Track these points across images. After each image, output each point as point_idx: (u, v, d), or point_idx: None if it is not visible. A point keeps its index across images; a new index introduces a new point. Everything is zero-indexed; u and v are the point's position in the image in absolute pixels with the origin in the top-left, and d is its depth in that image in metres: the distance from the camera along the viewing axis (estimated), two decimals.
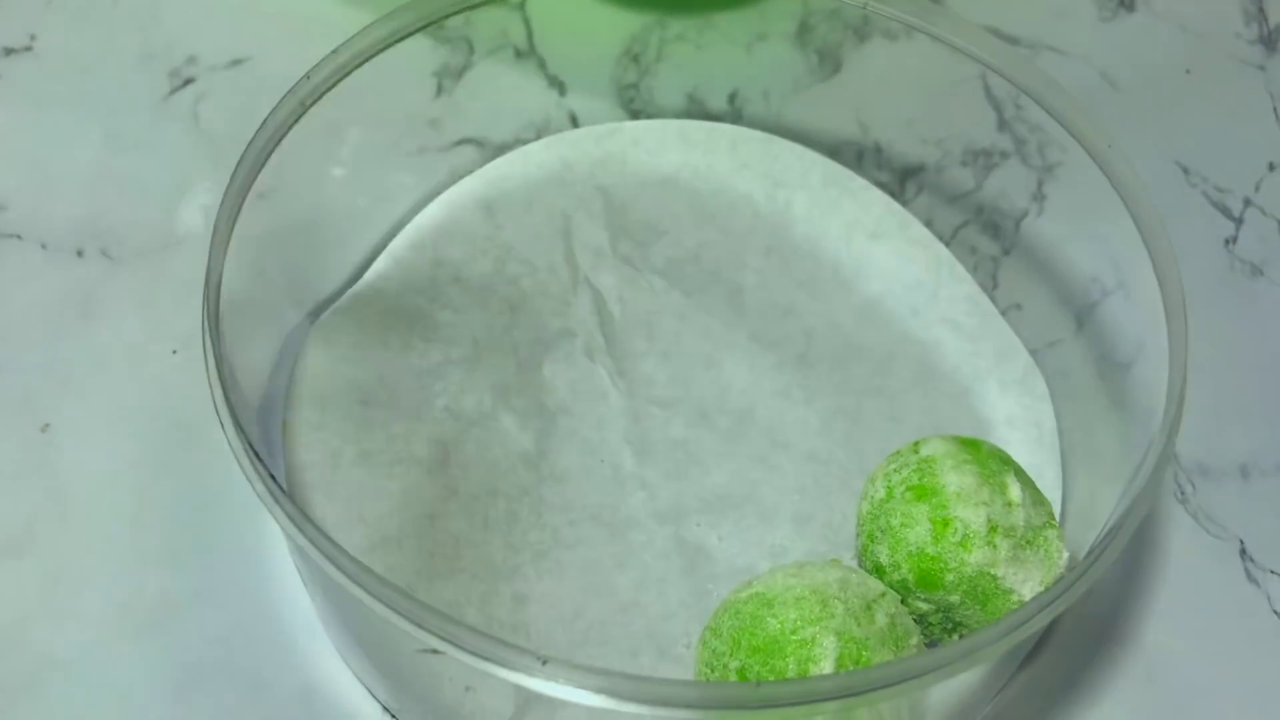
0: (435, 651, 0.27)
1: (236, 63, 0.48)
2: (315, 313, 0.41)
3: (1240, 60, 0.51)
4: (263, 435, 0.36)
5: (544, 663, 0.26)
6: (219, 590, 0.37)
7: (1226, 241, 0.47)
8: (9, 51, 0.48)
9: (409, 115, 0.47)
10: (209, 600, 0.37)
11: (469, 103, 0.47)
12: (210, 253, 0.33)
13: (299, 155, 0.37)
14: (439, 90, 0.48)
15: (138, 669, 0.35)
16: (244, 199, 0.35)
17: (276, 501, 0.29)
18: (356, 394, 0.39)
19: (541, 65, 0.49)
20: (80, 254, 0.43)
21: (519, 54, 0.49)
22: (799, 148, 0.46)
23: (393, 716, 0.35)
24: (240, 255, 0.35)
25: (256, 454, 0.30)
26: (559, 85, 0.48)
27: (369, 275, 0.42)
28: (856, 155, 0.47)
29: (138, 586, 0.37)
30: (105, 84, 0.47)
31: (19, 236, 0.44)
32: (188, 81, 0.47)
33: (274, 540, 0.37)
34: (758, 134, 0.46)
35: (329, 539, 0.28)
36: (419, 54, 0.48)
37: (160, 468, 0.39)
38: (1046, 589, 0.33)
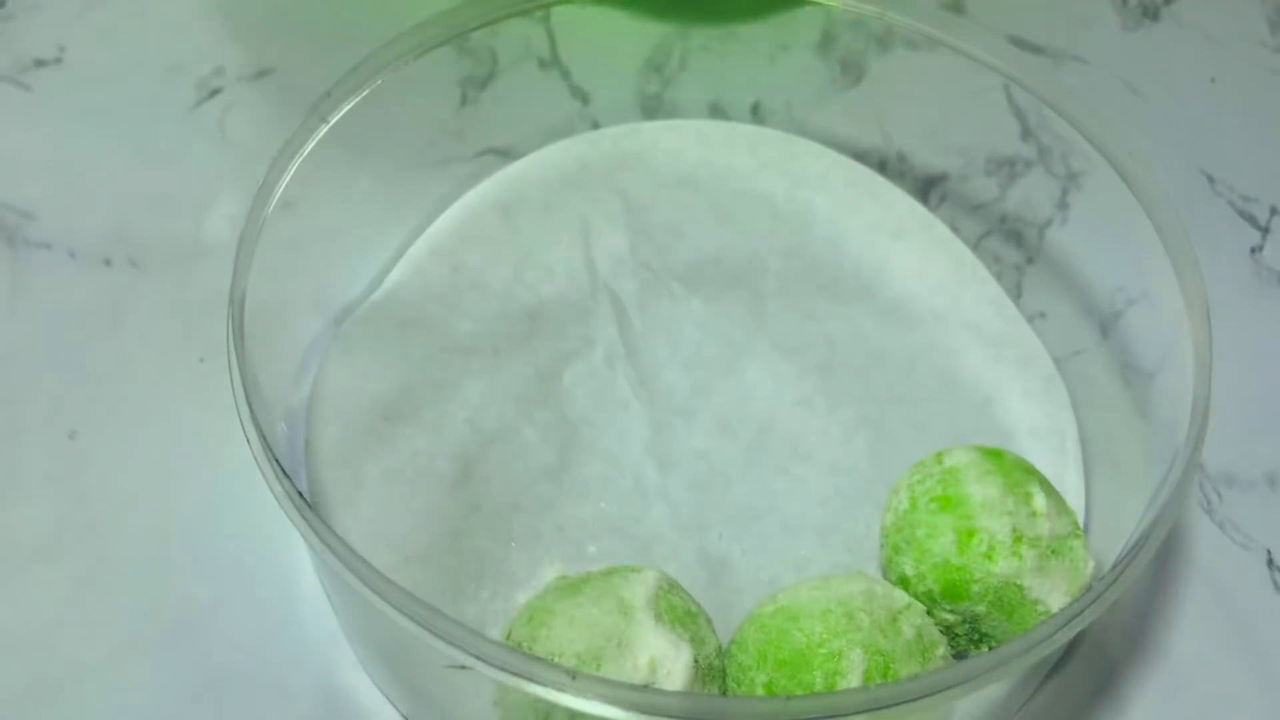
0: (463, 667, 0.27)
1: (263, 74, 0.48)
2: (339, 320, 0.41)
3: (1265, 69, 0.51)
4: (288, 446, 0.36)
5: (573, 677, 0.26)
6: (243, 597, 0.37)
7: (1253, 250, 0.47)
8: (39, 63, 0.48)
9: (433, 126, 0.47)
10: (233, 607, 0.37)
11: (493, 113, 0.48)
12: (235, 267, 0.34)
13: (323, 166, 0.37)
14: (463, 101, 0.48)
15: (162, 674, 0.36)
16: (267, 212, 0.35)
17: (304, 518, 0.29)
18: (378, 410, 0.38)
19: (565, 76, 0.49)
20: (108, 263, 0.44)
21: (542, 65, 0.49)
22: (819, 147, 0.46)
23: None
24: (265, 265, 0.35)
25: (283, 470, 0.30)
26: (582, 95, 0.48)
27: (388, 283, 0.42)
28: (879, 164, 0.47)
29: (163, 592, 0.37)
30: (133, 95, 0.48)
31: (48, 246, 0.44)
32: (214, 92, 0.48)
33: (297, 548, 0.38)
34: (777, 134, 0.46)
35: (358, 556, 0.28)
36: (444, 65, 0.48)
37: (186, 475, 0.39)
38: (1074, 599, 0.33)
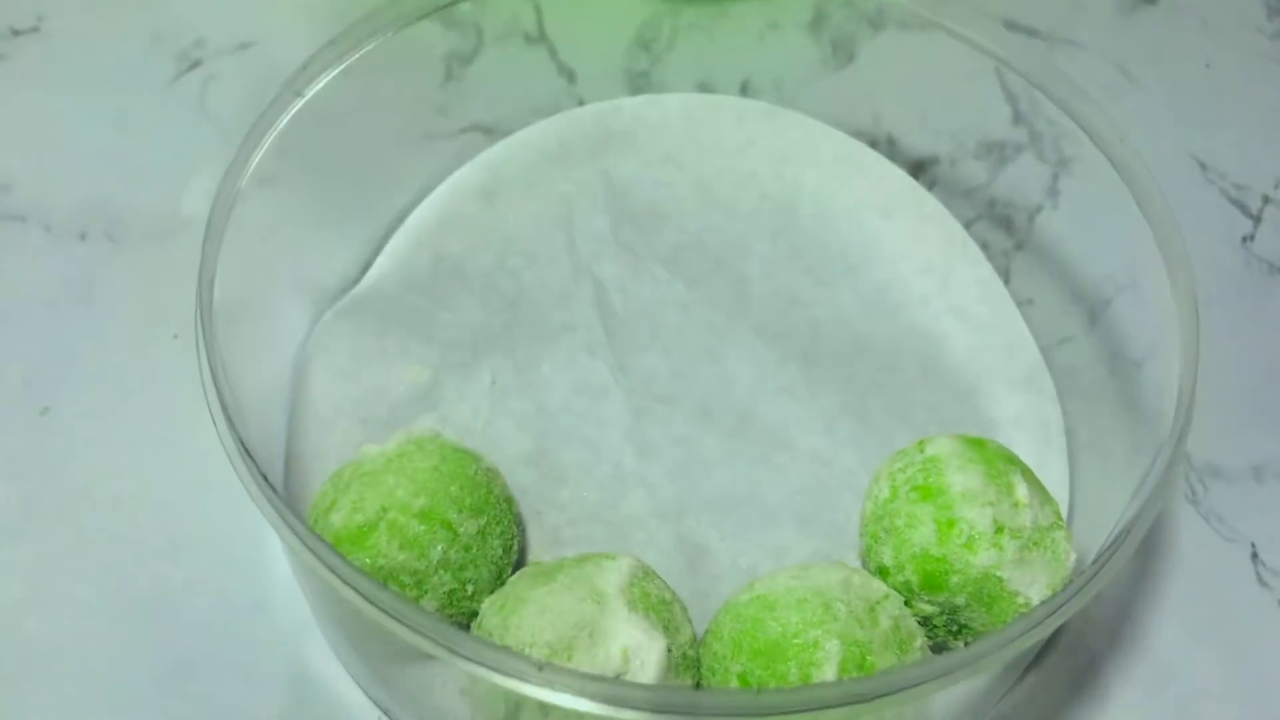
0: (431, 655, 0.26)
1: (245, 46, 0.47)
2: (318, 303, 0.41)
3: (1261, 55, 0.51)
4: (262, 433, 0.36)
5: (540, 669, 0.26)
6: (213, 580, 0.37)
7: (1244, 239, 0.46)
8: (16, 32, 0.48)
9: (416, 100, 0.46)
10: (203, 590, 0.37)
11: (477, 89, 0.47)
12: (205, 244, 0.33)
13: (302, 141, 0.37)
14: (448, 76, 0.47)
15: (131, 657, 0.35)
16: (239, 188, 0.34)
17: (270, 504, 0.29)
18: (357, 414, 0.38)
19: (551, 52, 0.48)
20: (84, 237, 0.43)
21: (529, 40, 0.48)
22: (807, 120, 0.45)
23: (383, 710, 0.35)
24: (241, 244, 0.34)
25: (251, 455, 0.29)
26: (568, 73, 0.48)
27: (370, 275, 0.41)
28: (869, 146, 0.46)
29: (132, 574, 0.37)
30: (112, 66, 0.47)
31: (23, 218, 0.43)
32: (195, 64, 0.47)
33: (268, 531, 0.37)
34: (764, 105, 0.45)
35: (326, 544, 0.28)
36: (428, 38, 0.47)
37: (159, 453, 0.39)
38: (1054, 592, 0.32)
